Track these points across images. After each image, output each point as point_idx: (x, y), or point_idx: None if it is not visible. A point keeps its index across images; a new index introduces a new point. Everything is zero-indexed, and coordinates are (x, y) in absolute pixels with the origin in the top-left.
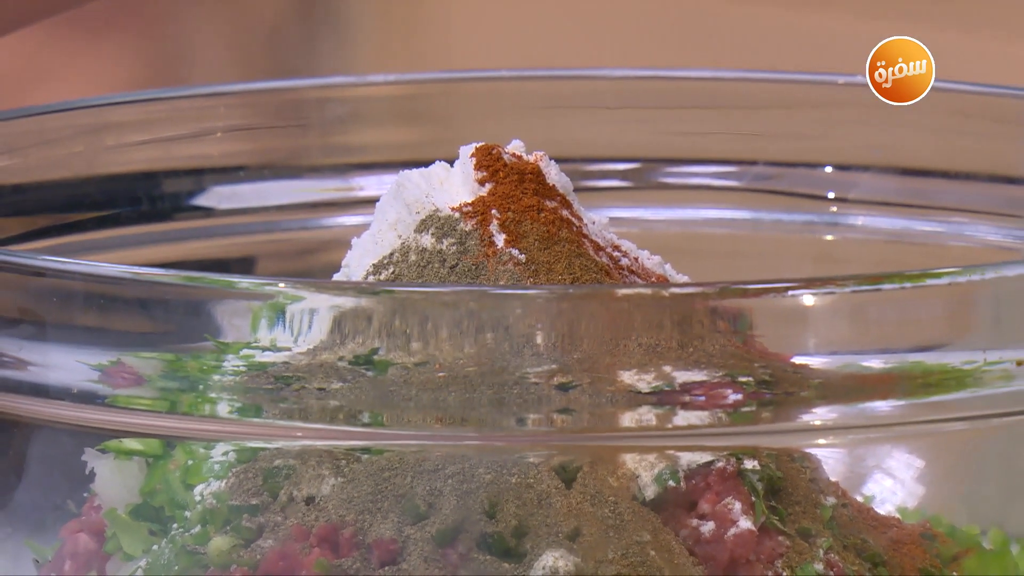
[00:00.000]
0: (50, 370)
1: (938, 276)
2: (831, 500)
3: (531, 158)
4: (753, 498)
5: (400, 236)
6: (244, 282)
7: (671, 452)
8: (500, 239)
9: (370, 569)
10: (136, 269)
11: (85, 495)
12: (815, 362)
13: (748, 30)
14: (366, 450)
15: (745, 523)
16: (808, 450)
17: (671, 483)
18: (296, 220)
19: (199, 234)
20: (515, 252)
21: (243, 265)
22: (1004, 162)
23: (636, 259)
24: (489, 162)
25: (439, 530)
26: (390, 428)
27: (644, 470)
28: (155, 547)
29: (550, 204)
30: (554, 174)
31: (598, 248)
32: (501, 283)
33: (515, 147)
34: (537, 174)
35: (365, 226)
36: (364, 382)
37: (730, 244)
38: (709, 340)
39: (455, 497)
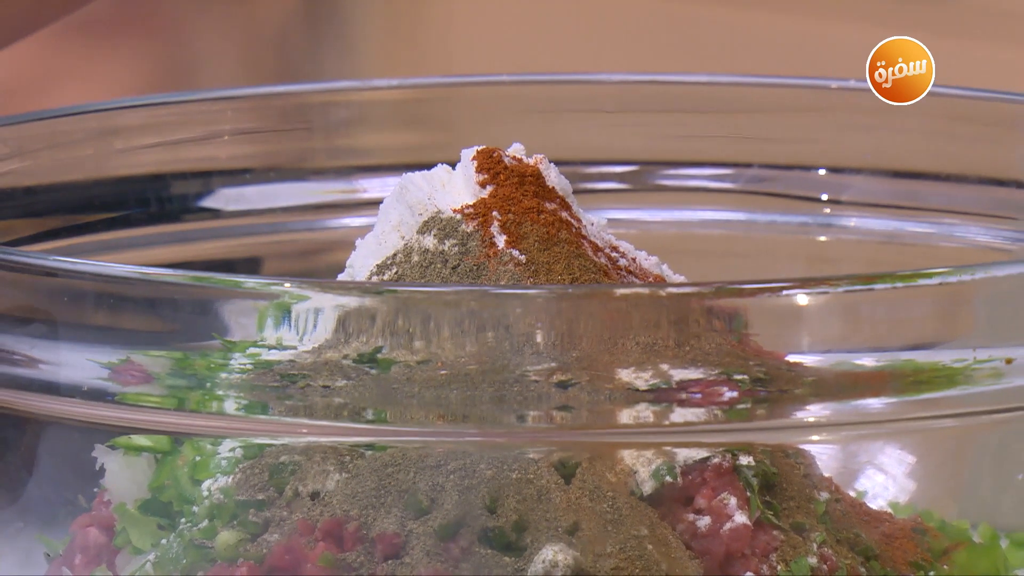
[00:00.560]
0: (61, 368)
1: (929, 276)
2: (824, 495)
3: (531, 161)
4: (748, 493)
5: (403, 237)
6: (251, 282)
7: (668, 448)
8: (501, 240)
9: (374, 563)
10: (145, 269)
11: (95, 490)
12: (809, 360)
13: (743, 36)
14: (370, 446)
15: (740, 518)
16: (802, 446)
17: (668, 479)
18: (301, 221)
19: (207, 235)
20: (515, 253)
21: (249, 265)
22: (993, 165)
23: (634, 260)
24: (490, 165)
25: (441, 524)
26: (393, 425)
27: (642, 466)
28: (164, 541)
29: (550, 206)
30: (553, 176)
31: (597, 249)
32: (502, 283)
33: (515, 150)
34: (537, 176)
35: (369, 227)
36: (368, 380)
37: (726, 245)
38: (705, 339)
39: (457, 492)
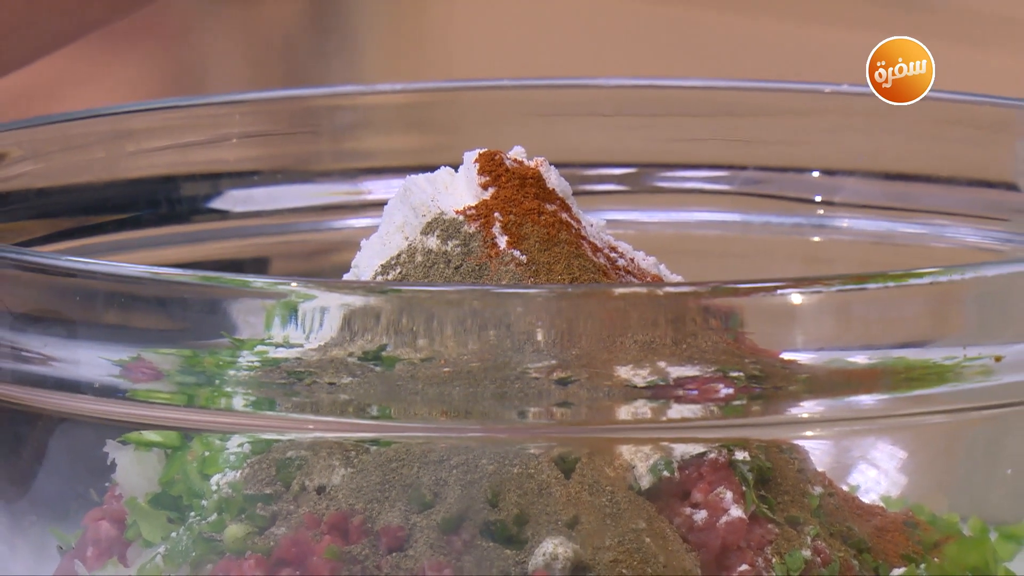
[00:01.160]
0: (73, 366)
1: (920, 276)
2: (818, 489)
3: (532, 163)
4: (744, 488)
5: (407, 238)
6: (258, 282)
7: (665, 444)
8: (502, 241)
9: (378, 555)
10: (155, 269)
11: (107, 485)
12: (803, 358)
13: (739, 41)
14: (375, 442)
15: (736, 511)
16: (796, 442)
17: (665, 473)
18: (308, 222)
19: (215, 236)
20: (517, 253)
21: (257, 265)
22: (984, 167)
23: (632, 260)
24: (492, 167)
25: (444, 518)
26: (397, 421)
27: (640, 461)
28: (173, 534)
29: (550, 207)
30: (554, 178)
31: (596, 249)
32: (503, 283)
33: (517, 153)
34: (538, 179)
35: (373, 228)
36: (372, 377)
37: (722, 245)
38: (702, 337)
39: (459, 487)
